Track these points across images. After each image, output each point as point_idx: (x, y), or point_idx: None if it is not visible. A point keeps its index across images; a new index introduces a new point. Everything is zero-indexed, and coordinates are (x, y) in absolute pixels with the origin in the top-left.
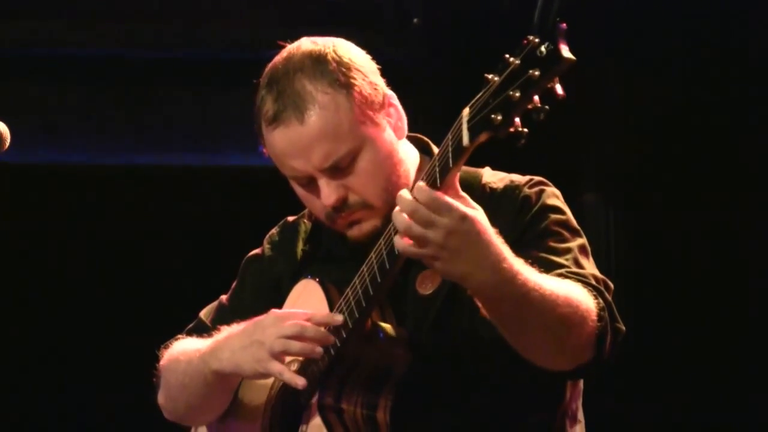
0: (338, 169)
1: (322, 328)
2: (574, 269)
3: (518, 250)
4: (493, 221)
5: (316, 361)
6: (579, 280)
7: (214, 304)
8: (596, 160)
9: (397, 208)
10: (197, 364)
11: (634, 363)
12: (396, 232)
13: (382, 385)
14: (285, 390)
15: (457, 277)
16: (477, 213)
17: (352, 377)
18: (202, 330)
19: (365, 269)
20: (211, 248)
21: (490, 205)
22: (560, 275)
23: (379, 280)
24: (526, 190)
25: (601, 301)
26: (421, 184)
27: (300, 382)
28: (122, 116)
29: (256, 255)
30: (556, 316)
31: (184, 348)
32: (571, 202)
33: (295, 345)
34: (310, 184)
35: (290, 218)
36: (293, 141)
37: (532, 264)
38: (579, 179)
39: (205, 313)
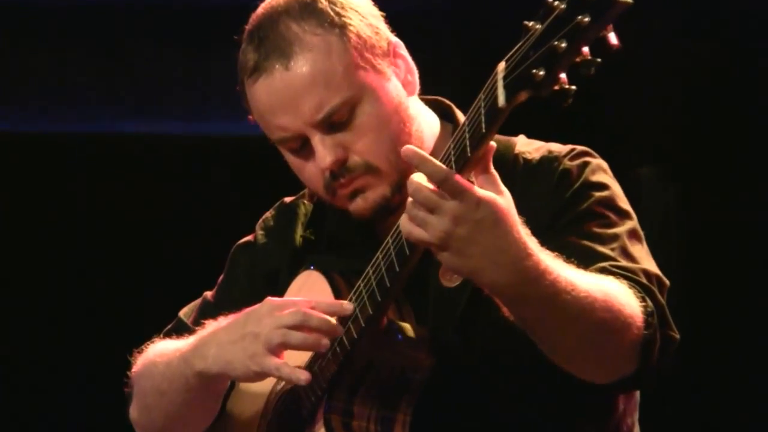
0: (334, 124)
1: (329, 318)
2: (621, 262)
3: (554, 235)
4: (526, 199)
5: (321, 367)
6: (625, 277)
7: (197, 302)
8: (653, 127)
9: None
10: (177, 366)
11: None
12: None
13: (399, 396)
14: (284, 400)
15: (467, 273)
16: (498, 199)
17: (364, 387)
18: (182, 332)
19: (380, 256)
20: (195, 233)
21: (524, 178)
22: (602, 270)
23: (397, 269)
24: (567, 163)
25: (649, 303)
26: (431, 161)
27: (303, 376)
28: (91, 77)
29: (246, 243)
30: (592, 323)
31: (161, 350)
32: (622, 176)
33: (297, 336)
34: (304, 148)
35: (287, 199)
36: (278, 91)
37: (569, 255)
38: (631, 149)
39: (185, 313)
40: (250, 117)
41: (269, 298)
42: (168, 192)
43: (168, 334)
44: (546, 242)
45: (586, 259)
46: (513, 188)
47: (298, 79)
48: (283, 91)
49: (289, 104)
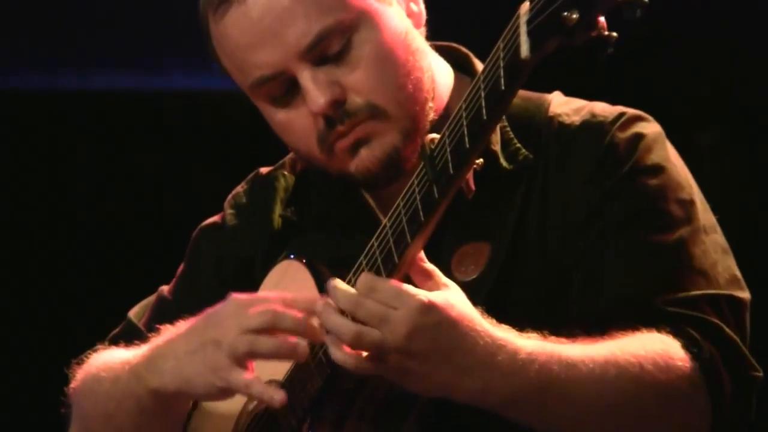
0: (326, 56)
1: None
2: (673, 295)
3: (588, 243)
4: (560, 177)
5: (302, 381)
6: (672, 318)
7: (150, 299)
8: (717, 84)
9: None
10: (127, 383)
11: None
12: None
13: (400, 419)
14: (258, 423)
15: (438, 392)
16: (448, 294)
17: (357, 407)
18: (133, 337)
19: (376, 244)
20: (148, 209)
21: (559, 149)
22: (639, 313)
23: (396, 259)
24: (617, 134)
25: (706, 350)
26: (365, 275)
27: (277, 396)
28: (35, 24)
29: (212, 225)
30: (616, 405)
31: (106, 361)
32: (681, 144)
33: (267, 343)
34: (290, 93)
35: (263, 170)
36: (255, 20)
37: (599, 283)
38: (691, 111)
39: (137, 313)
40: (216, 65)
41: (233, 295)
42: (107, 160)
43: (114, 341)
44: (576, 253)
45: (620, 296)
46: (546, 161)
47: (278, 1)
48: (261, 18)
49: (268, 33)
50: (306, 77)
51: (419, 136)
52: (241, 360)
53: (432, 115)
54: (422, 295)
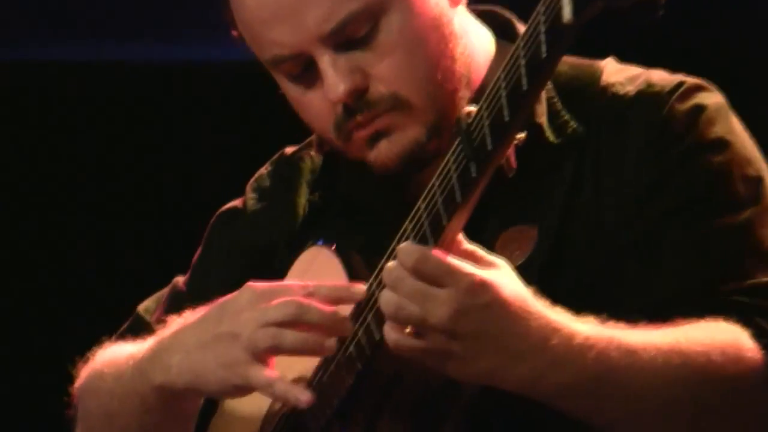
0: (350, 41)
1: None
2: (740, 282)
3: (644, 227)
4: (613, 153)
5: (331, 378)
6: (743, 308)
7: (164, 292)
8: None
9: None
10: (131, 379)
11: None
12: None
13: (441, 419)
14: (285, 425)
15: (483, 378)
16: (498, 273)
17: (393, 403)
18: (142, 333)
19: (410, 227)
20: (162, 195)
21: (612, 121)
22: (703, 302)
23: (431, 244)
24: (675, 105)
25: None
26: (407, 244)
27: (304, 397)
28: None
29: (232, 210)
30: (679, 401)
31: (111, 357)
32: (747, 116)
33: (291, 337)
34: (307, 72)
35: (288, 150)
36: None
37: (657, 273)
38: (759, 78)
39: (147, 307)
40: (235, 33)
41: (250, 284)
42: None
43: (122, 337)
44: (633, 236)
45: (683, 283)
46: (597, 134)
47: None
48: None
49: (288, 11)
50: (326, 62)
51: (445, 130)
52: (262, 356)
53: (464, 105)
54: (473, 272)
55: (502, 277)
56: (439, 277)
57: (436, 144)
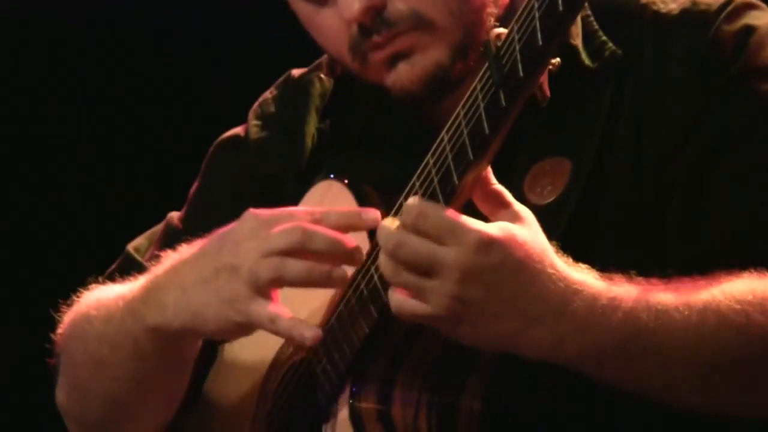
0: None
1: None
2: None
3: (684, 169)
4: (653, 80)
5: (344, 327)
6: None
7: (157, 229)
8: None
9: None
10: (121, 321)
11: None
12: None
13: (463, 375)
14: (292, 379)
15: (500, 344)
16: (515, 229)
17: (410, 360)
18: (133, 273)
19: (432, 161)
20: (153, 121)
21: (655, 42)
22: (752, 250)
23: (455, 180)
24: (722, 26)
25: None
26: (413, 200)
27: (309, 333)
28: None
29: (233, 139)
30: (715, 365)
31: (99, 298)
32: None
33: (295, 266)
34: None
35: (296, 72)
36: None
37: (701, 207)
38: None
39: (139, 245)
40: None
41: (251, 211)
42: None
43: (111, 278)
44: (675, 172)
45: (725, 229)
46: (638, 57)
47: None
48: None
49: None
50: None
51: (473, 50)
52: (264, 289)
53: (492, 21)
54: (481, 229)
55: (519, 231)
56: (441, 235)
57: (461, 67)
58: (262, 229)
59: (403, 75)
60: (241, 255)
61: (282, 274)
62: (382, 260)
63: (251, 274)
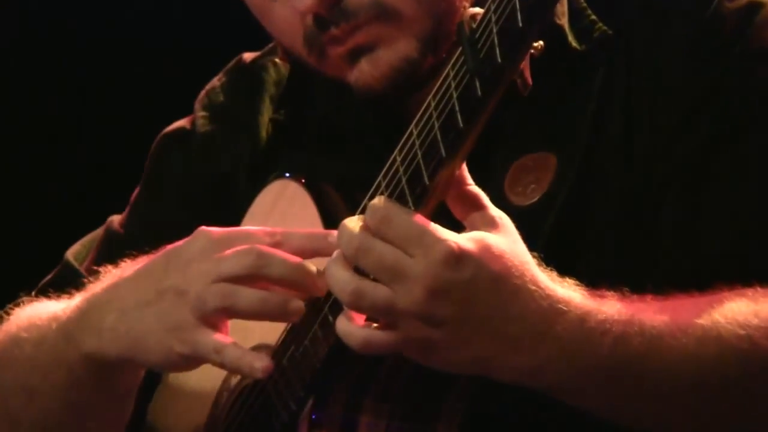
0: None
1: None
2: None
3: (679, 165)
4: (645, 67)
5: (302, 348)
6: None
7: (96, 234)
8: None
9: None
10: (54, 345)
11: None
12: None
13: (440, 395)
14: (244, 405)
15: (475, 369)
16: (491, 238)
17: (378, 384)
18: (71, 285)
19: (399, 158)
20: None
21: (650, 21)
22: (755, 263)
23: (426, 180)
24: (725, 4)
25: None
26: (378, 200)
27: (259, 364)
28: None
29: (178, 132)
30: (715, 398)
31: (30, 317)
32: None
33: (248, 296)
34: None
35: (247, 56)
36: None
37: (698, 211)
38: None
39: (77, 252)
40: None
41: (203, 229)
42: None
43: (44, 291)
44: (669, 172)
45: (728, 233)
46: (630, 38)
47: None
48: None
49: None
50: None
51: (444, 42)
52: (211, 318)
53: (466, 6)
54: (450, 239)
55: (495, 241)
56: (407, 245)
57: (432, 61)
58: (214, 249)
59: (365, 71)
60: (189, 278)
61: (232, 303)
62: (336, 275)
63: (198, 301)
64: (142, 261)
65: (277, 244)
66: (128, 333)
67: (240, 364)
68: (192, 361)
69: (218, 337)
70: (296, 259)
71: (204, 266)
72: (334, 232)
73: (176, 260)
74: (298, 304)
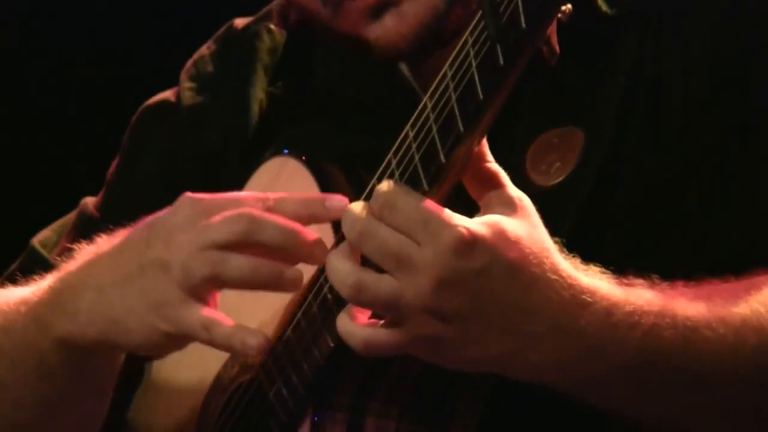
0: None
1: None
2: None
3: (722, 127)
4: (686, 26)
5: (303, 343)
6: None
7: (68, 218)
8: None
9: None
10: (23, 331)
11: None
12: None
13: (452, 401)
14: (238, 401)
15: (489, 367)
16: (506, 223)
17: (385, 384)
18: (38, 273)
19: (412, 133)
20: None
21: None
22: None
23: (442, 158)
24: None
25: None
26: (383, 185)
27: (253, 341)
28: None
29: (161, 105)
30: (756, 394)
31: None
32: None
33: (238, 263)
34: None
35: (239, 22)
36: None
37: (735, 192)
38: None
39: (45, 239)
40: None
41: (189, 195)
42: None
43: (11, 278)
44: (703, 149)
45: (759, 222)
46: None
47: None
48: None
49: None
50: None
51: None
52: (198, 290)
53: None
54: (461, 225)
55: (512, 226)
56: (413, 232)
57: (460, 14)
58: (200, 217)
59: (390, 29)
60: (173, 249)
61: (221, 271)
62: (336, 267)
63: (184, 272)
64: (119, 235)
65: (269, 210)
66: (106, 313)
67: (231, 341)
68: (178, 340)
69: (206, 312)
70: (292, 224)
71: (189, 235)
72: (332, 196)
73: (159, 230)
74: (295, 272)
